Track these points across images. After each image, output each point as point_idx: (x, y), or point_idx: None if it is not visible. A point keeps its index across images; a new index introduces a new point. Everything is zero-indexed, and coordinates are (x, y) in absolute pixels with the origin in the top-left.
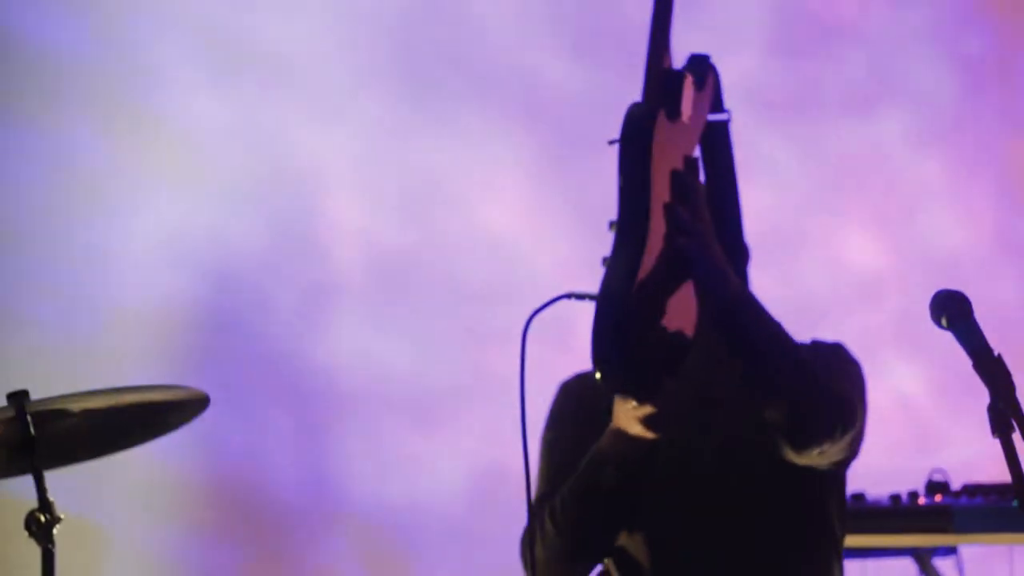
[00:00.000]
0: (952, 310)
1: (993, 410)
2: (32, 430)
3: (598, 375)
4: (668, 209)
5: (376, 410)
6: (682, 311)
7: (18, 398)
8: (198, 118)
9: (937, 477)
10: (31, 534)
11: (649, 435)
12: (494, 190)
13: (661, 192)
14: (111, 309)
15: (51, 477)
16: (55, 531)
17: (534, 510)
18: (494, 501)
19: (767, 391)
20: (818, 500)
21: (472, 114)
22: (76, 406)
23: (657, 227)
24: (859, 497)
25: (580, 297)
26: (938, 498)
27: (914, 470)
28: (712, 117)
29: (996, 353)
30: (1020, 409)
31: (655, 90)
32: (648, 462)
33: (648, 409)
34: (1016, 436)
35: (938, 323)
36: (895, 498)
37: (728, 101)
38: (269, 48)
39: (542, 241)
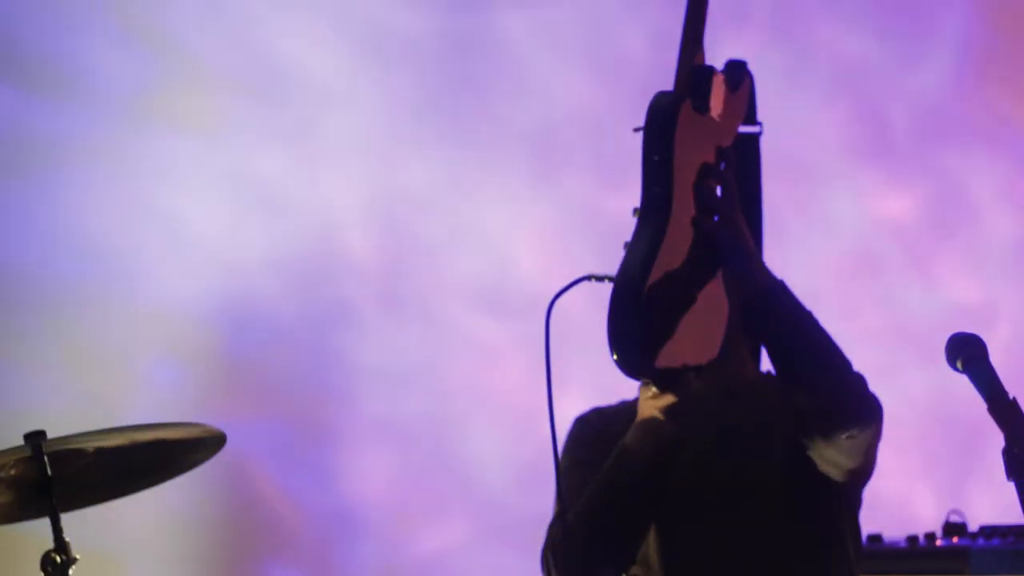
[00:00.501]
0: (967, 353)
1: (1008, 453)
2: (49, 470)
3: (614, 357)
4: (698, 188)
5: (396, 436)
6: (707, 324)
7: (35, 438)
8: (206, 152)
9: (954, 518)
10: (47, 575)
11: (670, 424)
12: (506, 215)
13: (687, 180)
14: (125, 349)
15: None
16: (71, 571)
17: (553, 521)
18: (499, 528)
19: (799, 377)
20: (831, 519)
21: (485, 138)
22: (91, 445)
23: (680, 214)
24: (876, 538)
25: (600, 279)
26: (955, 540)
27: (932, 510)
28: (743, 129)
29: (1011, 396)
30: None
31: (684, 82)
32: (671, 459)
33: (668, 399)
34: None
35: (953, 366)
36: (912, 539)
37: None
38: (284, 71)
39: (554, 263)
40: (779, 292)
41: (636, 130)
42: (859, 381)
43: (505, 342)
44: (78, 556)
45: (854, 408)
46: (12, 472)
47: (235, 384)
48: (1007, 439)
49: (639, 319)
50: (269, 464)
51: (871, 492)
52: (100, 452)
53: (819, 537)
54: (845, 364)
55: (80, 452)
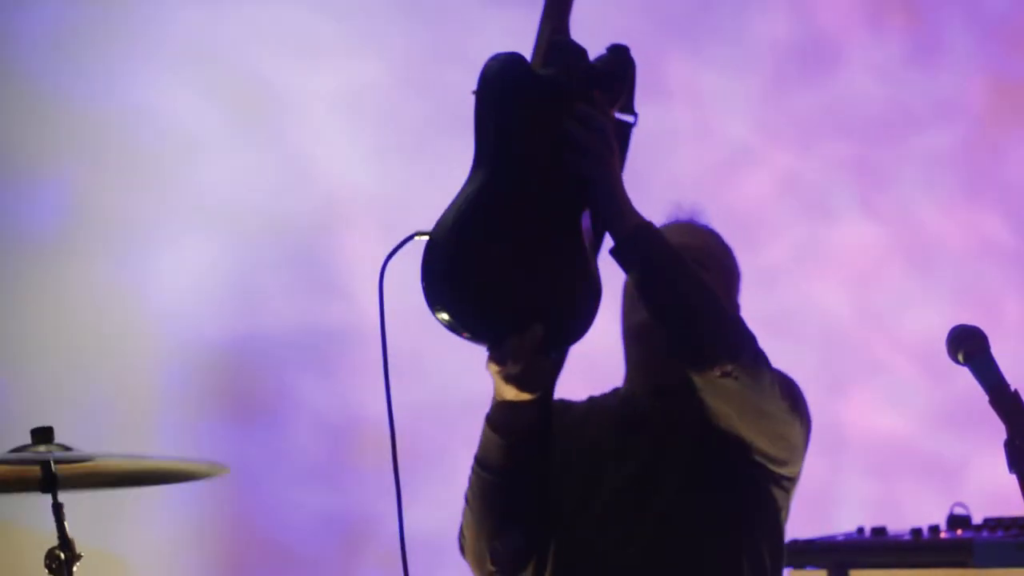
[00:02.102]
0: (968, 345)
1: (1010, 446)
2: (54, 468)
3: (438, 317)
4: (569, 131)
5: (401, 449)
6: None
7: (44, 435)
8: (217, 161)
9: (958, 511)
10: (51, 571)
11: (521, 396)
12: None
13: (536, 145)
14: (132, 352)
15: (71, 507)
16: (75, 568)
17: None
18: None
19: (669, 313)
20: (737, 530)
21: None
22: (98, 466)
23: (529, 167)
24: (880, 531)
25: (427, 234)
26: (959, 532)
27: (936, 504)
28: (619, 116)
29: (1013, 388)
30: None
31: (546, 52)
32: (542, 431)
33: (513, 367)
34: None
35: (954, 358)
36: (916, 532)
37: None
38: (289, 88)
39: None
40: (650, 232)
41: (474, 92)
42: (730, 318)
43: None
44: (82, 553)
45: (724, 342)
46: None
47: (241, 394)
48: (1009, 431)
49: (453, 278)
50: (275, 470)
51: (880, 483)
52: (105, 471)
53: (718, 548)
54: (714, 300)
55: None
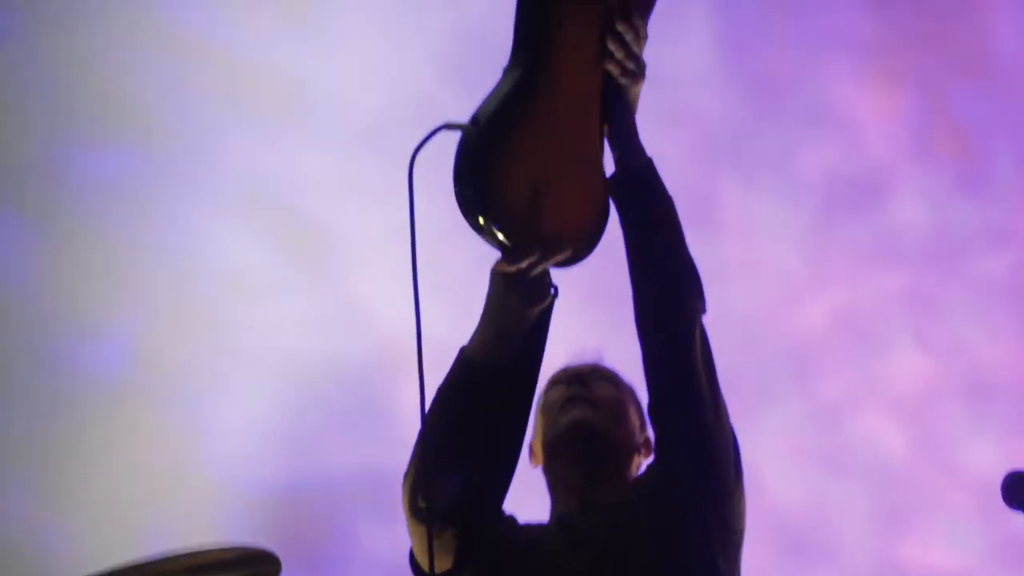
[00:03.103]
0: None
1: None
2: None
3: (468, 220)
4: (611, 32)
5: None
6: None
7: None
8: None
9: None
10: None
11: (521, 311)
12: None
13: (573, 38)
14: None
15: None
16: None
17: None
18: None
19: (669, 261)
20: None
21: None
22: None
23: (556, 69)
24: None
25: (459, 127)
26: None
27: None
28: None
29: None
30: None
31: None
32: (514, 378)
33: (529, 270)
34: None
35: (1009, 504)
36: None
37: None
38: (342, 229)
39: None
40: (655, 171)
41: None
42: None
43: None
44: None
45: (693, 299)
46: None
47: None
48: None
49: (480, 167)
50: None
51: None
52: None
53: None
54: (693, 264)
55: None
